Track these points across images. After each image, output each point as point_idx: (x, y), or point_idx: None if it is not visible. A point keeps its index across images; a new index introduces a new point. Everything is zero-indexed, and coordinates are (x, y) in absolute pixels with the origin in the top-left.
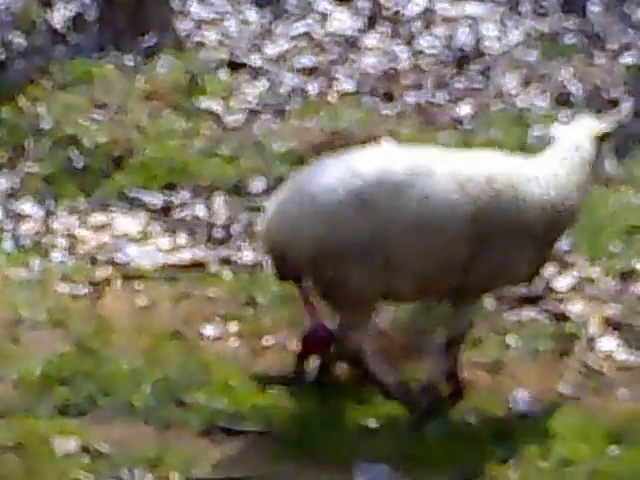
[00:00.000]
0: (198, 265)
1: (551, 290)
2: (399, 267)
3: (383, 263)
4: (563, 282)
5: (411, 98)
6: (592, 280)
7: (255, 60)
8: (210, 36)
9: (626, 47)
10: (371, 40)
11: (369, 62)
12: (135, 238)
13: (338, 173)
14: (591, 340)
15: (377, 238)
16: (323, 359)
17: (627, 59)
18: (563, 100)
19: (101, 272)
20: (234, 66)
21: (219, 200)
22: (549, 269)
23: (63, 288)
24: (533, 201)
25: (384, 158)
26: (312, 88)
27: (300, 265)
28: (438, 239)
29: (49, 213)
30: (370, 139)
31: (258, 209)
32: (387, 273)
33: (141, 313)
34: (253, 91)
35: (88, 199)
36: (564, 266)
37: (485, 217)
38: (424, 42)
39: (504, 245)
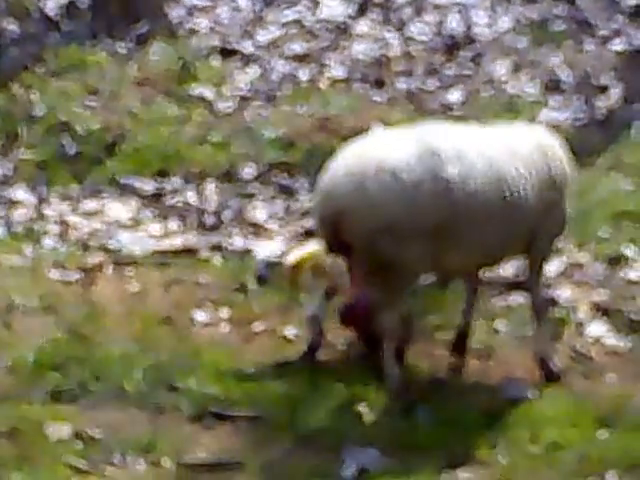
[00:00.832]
0: (189, 251)
1: None
2: (462, 242)
3: (448, 238)
4: (552, 267)
5: (401, 85)
6: (581, 265)
7: (246, 47)
8: (202, 23)
9: (615, 33)
10: (362, 27)
11: (360, 49)
12: (127, 224)
13: (417, 150)
14: (580, 325)
15: (453, 214)
16: (361, 333)
17: (616, 45)
18: (553, 86)
19: (93, 258)
20: (226, 53)
21: (210, 186)
22: None
23: (55, 274)
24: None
25: (455, 135)
26: (303, 75)
27: (362, 236)
28: (513, 213)
29: (41, 200)
30: (360, 125)
31: (249, 195)
32: (447, 248)
33: (132, 299)
34: (244, 78)
35: (80, 185)
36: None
37: (547, 186)
38: (414, 29)
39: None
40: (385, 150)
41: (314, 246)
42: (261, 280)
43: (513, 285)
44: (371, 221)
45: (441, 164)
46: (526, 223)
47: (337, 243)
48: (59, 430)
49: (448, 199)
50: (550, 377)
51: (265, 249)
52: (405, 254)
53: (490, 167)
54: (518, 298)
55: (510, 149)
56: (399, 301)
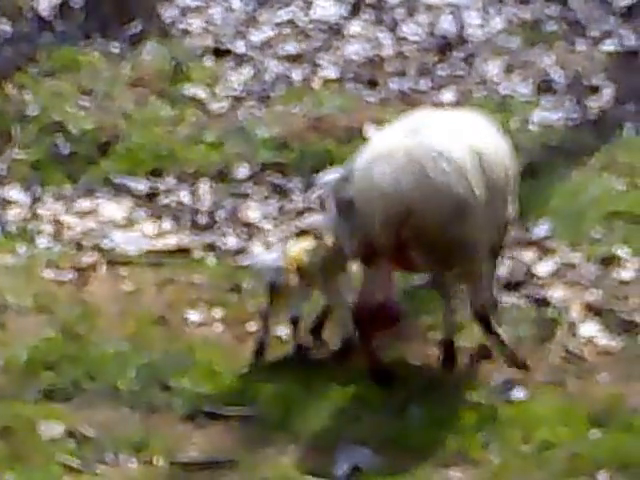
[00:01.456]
0: (183, 251)
1: (532, 276)
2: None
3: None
4: (544, 268)
5: (394, 85)
6: (573, 266)
7: (240, 47)
8: (195, 23)
9: (607, 34)
10: (355, 27)
11: (353, 49)
12: (120, 224)
13: (464, 143)
14: (572, 325)
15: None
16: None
17: (608, 46)
18: (545, 87)
19: (87, 258)
20: (219, 53)
21: (204, 186)
22: (530, 255)
23: (49, 274)
24: None
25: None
26: (296, 75)
27: (433, 228)
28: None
29: (35, 199)
30: (353, 125)
31: (243, 195)
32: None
33: (126, 298)
34: (238, 78)
35: (74, 185)
36: (545, 252)
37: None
38: (407, 29)
39: None
40: (434, 139)
41: (295, 247)
42: (274, 288)
43: (506, 285)
44: (441, 210)
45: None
46: None
47: (391, 245)
48: (52, 429)
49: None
50: (448, 363)
51: (267, 255)
52: (476, 233)
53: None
54: (511, 299)
55: None
56: (481, 281)
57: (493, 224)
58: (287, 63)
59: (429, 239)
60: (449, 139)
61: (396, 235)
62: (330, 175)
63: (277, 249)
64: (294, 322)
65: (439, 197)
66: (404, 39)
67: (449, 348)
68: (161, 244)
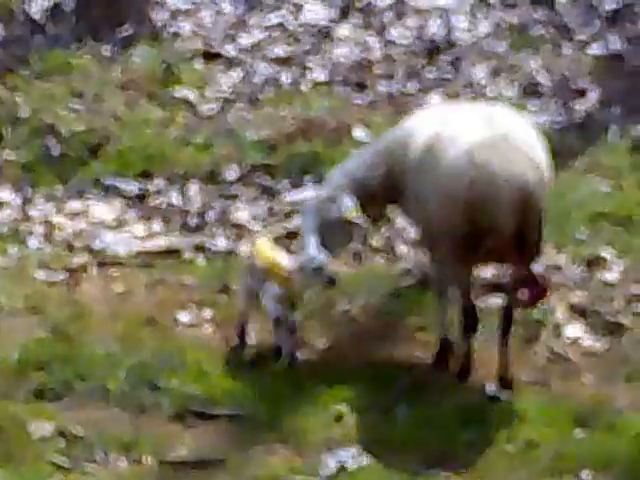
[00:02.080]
0: (173, 252)
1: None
2: None
3: None
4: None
5: (383, 87)
6: (559, 267)
7: (229, 50)
8: (185, 27)
9: (593, 38)
10: (344, 30)
11: (342, 52)
12: (111, 225)
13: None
14: (557, 326)
15: None
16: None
17: (594, 50)
18: (531, 90)
19: (77, 259)
20: (209, 56)
21: (194, 187)
22: None
23: (40, 275)
24: None
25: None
26: (285, 78)
27: (540, 212)
28: None
29: (26, 200)
30: (342, 127)
31: (232, 196)
32: None
33: (117, 299)
34: (227, 80)
35: (65, 187)
36: None
37: None
38: (395, 33)
39: None
40: (520, 127)
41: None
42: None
43: (491, 287)
44: (544, 192)
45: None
46: None
47: (510, 233)
48: (42, 428)
49: None
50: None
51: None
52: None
53: None
54: (496, 300)
55: None
56: None
57: None
58: (276, 66)
59: (538, 221)
60: (527, 126)
61: (516, 221)
62: (302, 194)
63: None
64: (277, 323)
65: (546, 175)
66: (392, 42)
67: (443, 349)
68: (151, 245)
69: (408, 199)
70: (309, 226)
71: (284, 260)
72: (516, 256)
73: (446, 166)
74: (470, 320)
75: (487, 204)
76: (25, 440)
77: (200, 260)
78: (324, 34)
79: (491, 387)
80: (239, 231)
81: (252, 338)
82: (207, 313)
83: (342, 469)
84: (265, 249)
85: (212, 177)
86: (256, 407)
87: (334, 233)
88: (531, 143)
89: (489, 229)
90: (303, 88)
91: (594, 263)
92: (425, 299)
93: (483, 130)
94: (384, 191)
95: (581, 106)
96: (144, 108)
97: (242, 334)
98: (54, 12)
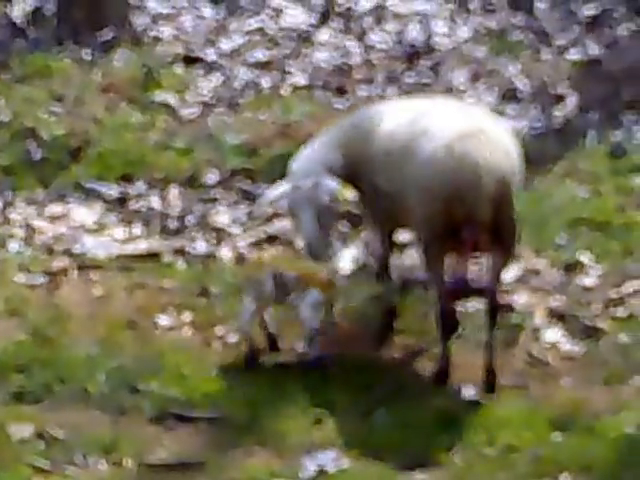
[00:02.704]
0: (153, 255)
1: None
2: None
3: None
4: (509, 274)
5: (362, 92)
6: (537, 272)
7: (210, 55)
8: (166, 31)
9: (572, 43)
10: (324, 35)
11: (321, 57)
12: (91, 229)
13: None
14: (536, 330)
15: None
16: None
17: (573, 55)
18: (510, 95)
19: (58, 262)
20: (189, 60)
21: (174, 191)
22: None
23: (20, 278)
24: None
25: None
26: (265, 82)
27: (511, 198)
28: None
29: (7, 204)
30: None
31: (212, 200)
32: None
33: (96, 302)
34: (208, 85)
35: (46, 190)
36: None
37: None
38: (375, 37)
39: None
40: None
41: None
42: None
43: (470, 291)
44: (517, 181)
45: None
46: None
47: (488, 220)
48: (22, 430)
49: None
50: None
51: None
52: None
53: None
54: (475, 304)
55: None
56: None
57: None
58: (256, 70)
59: (512, 212)
60: (494, 118)
61: (493, 212)
62: (279, 191)
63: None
64: (313, 334)
65: (518, 168)
66: (372, 47)
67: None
68: (131, 249)
69: (369, 189)
70: (309, 219)
71: (316, 266)
72: (492, 247)
73: (425, 159)
74: (449, 322)
75: (468, 196)
76: (5, 442)
77: (180, 264)
78: (304, 39)
79: (470, 391)
80: (219, 235)
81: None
82: (186, 316)
83: (322, 472)
84: (288, 259)
85: (192, 181)
86: (236, 410)
87: (329, 218)
88: (502, 134)
89: (467, 220)
90: (283, 92)
91: (572, 268)
92: (404, 302)
93: (459, 123)
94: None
95: (560, 111)
96: (124, 112)
97: (254, 355)
98: (35, 16)
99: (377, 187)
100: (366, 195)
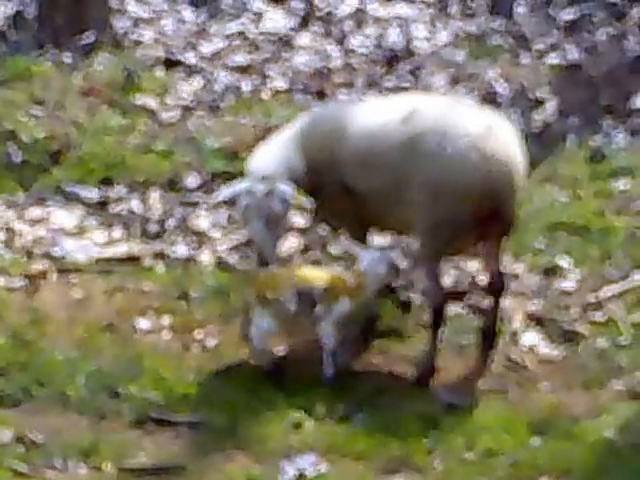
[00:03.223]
0: (133, 259)
1: (476, 285)
2: None
3: None
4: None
5: (342, 96)
6: (516, 276)
7: (190, 58)
8: (146, 34)
9: (551, 48)
10: (304, 39)
11: (302, 60)
12: (71, 232)
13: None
14: (514, 334)
15: None
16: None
17: (552, 60)
18: (490, 99)
19: (37, 265)
20: (170, 64)
21: (154, 195)
22: (474, 265)
23: None
24: None
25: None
26: (246, 86)
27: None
28: None
29: None
30: None
31: (192, 204)
32: None
33: (76, 306)
34: (188, 88)
35: (26, 193)
36: None
37: None
38: (355, 41)
39: None
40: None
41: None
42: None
43: (450, 295)
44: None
45: None
46: None
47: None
48: (1, 434)
49: None
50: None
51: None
52: None
53: None
54: (455, 308)
55: None
56: None
57: None
58: (237, 74)
59: (513, 201)
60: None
61: (499, 207)
62: (234, 189)
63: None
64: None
65: (522, 161)
66: (352, 51)
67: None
68: (111, 252)
69: (333, 190)
70: (260, 226)
71: (341, 271)
72: (499, 237)
73: (450, 159)
74: (440, 317)
75: (500, 190)
76: None
77: (160, 267)
78: (284, 42)
79: (449, 395)
80: (199, 239)
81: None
82: (166, 320)
83: (301, 476)
84: (308, 271)
85: (173, 184)
86: (215, 414)
87: (280, 223)
88: (508, 125)
89: (494, 213)
90: (263, 96)
91: (551, 272)
92: (385, 307)
93: (475, 118)
94: (309, 184)
95: (539, 116)
96: (105, 115)
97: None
98: (16, 19)
99: (347, 188)
100: (328, 198)
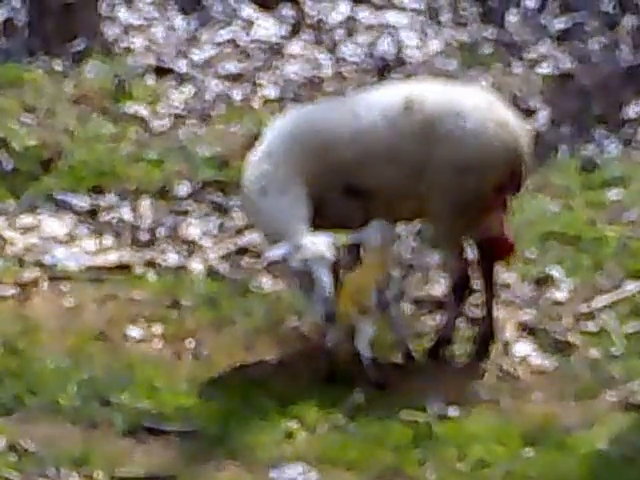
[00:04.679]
0: (124, 267)
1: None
2: None
3: None
4: (479, 287)
5: None
6: (508, 285)
7: (181, 66)
8: (137, 42)
9: (543, 57)
10: (295, 47)
11: (292, 69)
12: (62, 240)
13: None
14: (506, 344)
15: None
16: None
17: (544, 69)
18: None
19: (28, 273)
20: (160, 72)
21: (145, 203)
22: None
23: None
24: None
25: None
26: (236, 94)
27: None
28: None
29: None
30: None
31: (183, 212)
32: None
33: (67, 314)
34: (179, 96)
35: (17, 201)
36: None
37: None
38: (346, 50)
39: None
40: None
41: None
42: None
43: (442, 304)
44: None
45: None
46: None
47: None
48: None
49: None
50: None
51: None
52: None
53: None
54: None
55: None
56: None
57: None
58: (228, 82)
59: (529, 161)
60: None
61: (518, 169)
62: (276, 251)
63: None
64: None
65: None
66: (343, 59)
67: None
68: (102, 260)
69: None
70: (325, 276)
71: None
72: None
73: (470, 135)
74: (462, 289)
75: (518, 153)
76: None
77: (151, 275)
78: (275, 51)
79: (441, 405)
80: (190, 247)
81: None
82: (157, 328)
83: None
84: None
85: (163, 193)
86: (207, 423)
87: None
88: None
89: (514, 177)
90: (254, 105)
91: (543, 282)
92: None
93: (473, 95)
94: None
95: (531, 125)
96: (96, 123)
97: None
98: (6, 26)
99: (351, 188)
100: (330, 202)
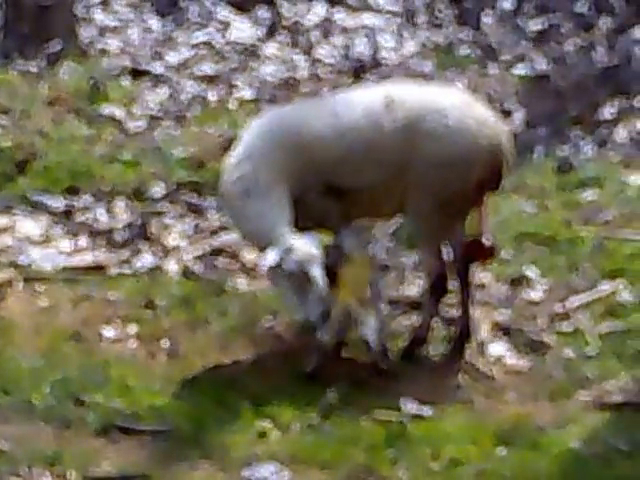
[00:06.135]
0: (98, 268)
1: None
2: None
3: None
4: (455, 287)
5: None
6: (483, 286)
7: (157, 67)
8: (113, 44)
9: (519, 58)
10: (271, 49)
11: (268, 70)
12: (37, 241)
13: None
14: (481, 344)
15: None
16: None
17: (520, 70)
18: None
19: (3, 274)
20: (136, 73)
21: (120, 204)
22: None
23: None
24: None
25: None
26: (212, 95)
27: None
28: None
29: None
30: None
31: (158, 213)
32: None
33: (42, 314)
34: (154, 98)
35: None
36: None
37: None
38: (322, 51)
39: None
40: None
41: None
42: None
43: (417, 304)
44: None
45: None
46: None
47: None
48: None
49: None
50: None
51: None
52: None
53: None
54: (421, 317)
55: None
56: None
57: None
58: (203, 84)
59: (510, 155)
60: None
61: (499, 165)
62: (271, 256)
63: None
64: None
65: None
66: (319, 61)
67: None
68: (77, 261)
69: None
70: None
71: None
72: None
73: (454, 132)
74: (439, 288)
75: (499, 147)
76: None
77: (126, 276)
78: (251, 52)
79: (415, 405)
80: (165, 248)
81: None
82: (132, 328)
83: None
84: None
85: (138, 194)
86: (180, 423)
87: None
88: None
89: (492, 179)
90: (230, 106)
91: (518, 282)
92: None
93: (450, 93)
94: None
95: (507, 126)
96: (71, 125)
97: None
98: None
99: (332, 188)
100: (310, 203)
